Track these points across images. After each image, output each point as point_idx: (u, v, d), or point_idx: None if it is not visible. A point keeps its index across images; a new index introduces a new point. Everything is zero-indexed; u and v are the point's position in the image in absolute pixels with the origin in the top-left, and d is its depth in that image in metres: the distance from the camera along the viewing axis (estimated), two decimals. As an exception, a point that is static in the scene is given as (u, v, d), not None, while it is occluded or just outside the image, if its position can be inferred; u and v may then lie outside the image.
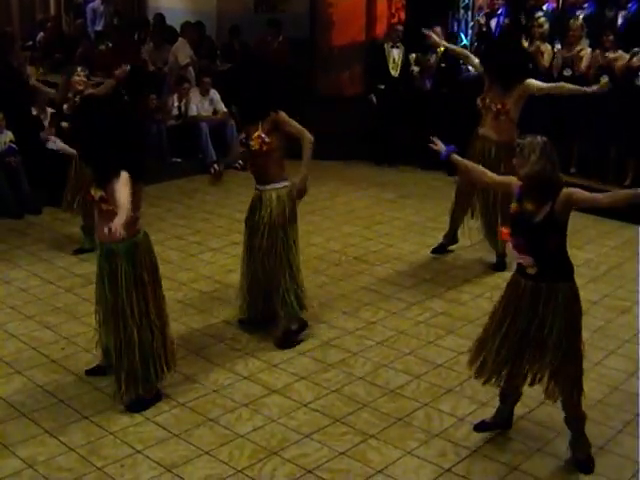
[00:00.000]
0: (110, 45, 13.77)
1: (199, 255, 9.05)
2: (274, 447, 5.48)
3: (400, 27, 13.16)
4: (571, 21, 11.54)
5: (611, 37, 10.98)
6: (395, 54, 13.00)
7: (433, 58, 12.94)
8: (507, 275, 8.44)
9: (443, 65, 12.82)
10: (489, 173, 5.73)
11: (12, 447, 5.41)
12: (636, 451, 5.51)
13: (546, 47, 11.77)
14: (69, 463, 5.28)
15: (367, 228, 9.58)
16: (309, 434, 5.61)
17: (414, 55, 13.11)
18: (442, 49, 12.74)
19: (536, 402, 6.10)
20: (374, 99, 13.07)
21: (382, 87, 13.05)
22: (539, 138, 5.01)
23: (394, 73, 13.00)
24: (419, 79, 13.06)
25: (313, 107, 13.05)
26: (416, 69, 13.11)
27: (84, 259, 8.78)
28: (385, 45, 13.08)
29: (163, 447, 5.47)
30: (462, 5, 14.10)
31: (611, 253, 9.37)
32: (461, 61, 12.23)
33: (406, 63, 13.04)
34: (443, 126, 10.44)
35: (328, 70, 13.95)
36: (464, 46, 13.42)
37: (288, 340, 6.90)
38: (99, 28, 16.28)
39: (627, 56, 10.83)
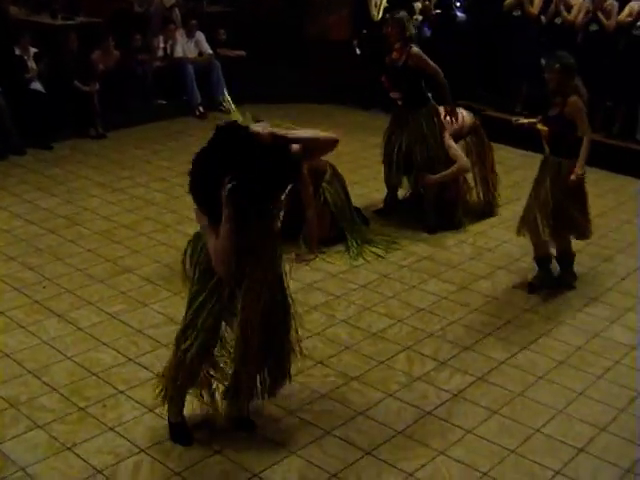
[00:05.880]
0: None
1: (183, 197, 8.94)
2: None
3: None
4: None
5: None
6: None
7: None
8: (492, 221, 8.50)
9: (438, 11, 12.74)
10: None
11: (-6, 387, 5.44)
12: (615, 397, 5.58)
13: (536, -6, 11.69)
14: (52, 403, 5.29)
15: (353, 172, 9.52)
16: (291, 376, 5.62)
17: (419, 4, 12.98)
18: None
19: (518, 347, 6.15)
20: (356, 46, 12.99)
21: (365, 32, 12.96)
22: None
23: (376, 17, 12.89)
24: (419, 27, 12.91)
25: (302, 50, 13.01)
26: (419, 18, 12.95)
27: (69, 200, 8.75)
28: None
29: (145, 387, 5.46)
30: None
31: (595, 202, 9.24)
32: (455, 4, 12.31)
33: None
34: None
35: (316, 14, 13.81)
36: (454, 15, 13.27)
37: None
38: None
39: (616, 4, 10.78)
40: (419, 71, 8.10)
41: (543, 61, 7.07)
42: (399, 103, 8.33)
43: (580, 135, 6.63)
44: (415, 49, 8.07)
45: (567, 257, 7.20)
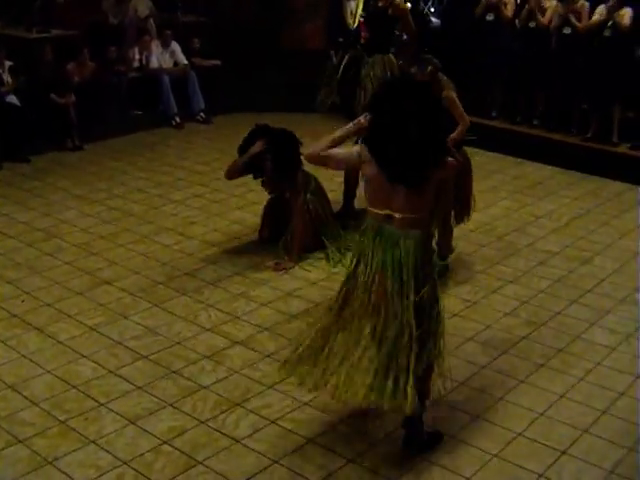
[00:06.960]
0: (69, -2, 13.54)
1: (161, 207, 8.98)
2: (237, 398, 5.48)
3: None
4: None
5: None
6: (352, 6, 12.88)
7: None
8: (470, 225, 8.52)
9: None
10: None
11: (-26, 402, 5.39)
12: (597, 398, 5.60)
13: (509, -2, 11.74)
14: (32, 417, 5.25)
15: (330, 180, 9.53)
16: (272, 385, 5.61)
17: None
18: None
19: (498, 351, 6.16)
20: (333, 55, 12.99)
21: (341, 40, 12.97)
22: None
23: (352, 25, 12.91)
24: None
25: (278, 60, 12.99)
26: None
27: (46, 213, 8.70)
28: None
29: (126, 400, 5.45)
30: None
31: (572, 204, 9.42)
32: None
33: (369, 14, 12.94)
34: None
35: (293, 23, 13.83)
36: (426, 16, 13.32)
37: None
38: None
39: (587, 5, 10.83)
40: (396, 21, 8.64)
41: (413, 70, 7.20)
42: (361, 42, 8.90)
43: (459, 122, 6.97)
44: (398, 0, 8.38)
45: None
